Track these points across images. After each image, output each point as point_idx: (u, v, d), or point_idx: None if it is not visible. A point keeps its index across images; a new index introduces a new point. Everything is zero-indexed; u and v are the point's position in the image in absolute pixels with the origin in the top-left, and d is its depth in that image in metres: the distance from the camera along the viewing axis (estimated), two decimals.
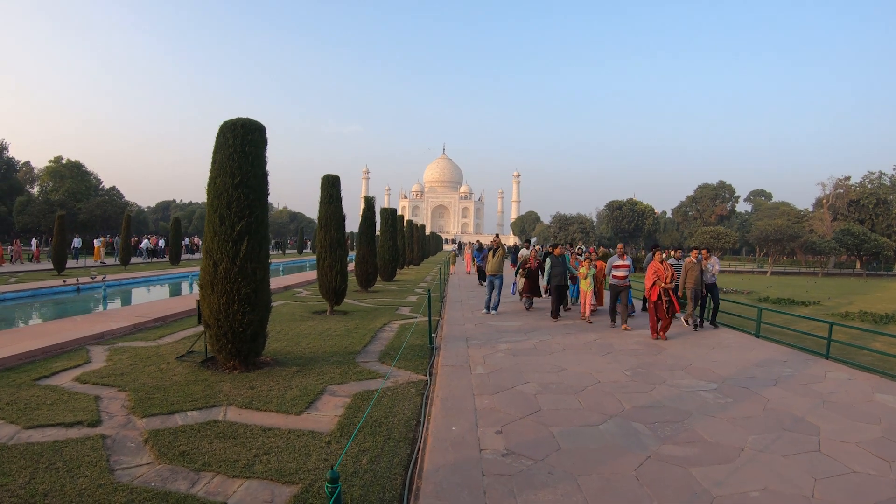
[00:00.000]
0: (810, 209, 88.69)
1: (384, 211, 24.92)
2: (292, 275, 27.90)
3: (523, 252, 16.95)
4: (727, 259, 77.08)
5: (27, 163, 79.59)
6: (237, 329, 7.74)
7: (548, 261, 13.04)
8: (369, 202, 19.30)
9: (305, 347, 9.62)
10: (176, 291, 23.28)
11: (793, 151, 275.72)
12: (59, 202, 66.95)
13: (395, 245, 24.39)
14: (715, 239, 71.42)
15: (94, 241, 40.89)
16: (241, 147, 7.86)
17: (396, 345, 9.76)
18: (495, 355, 8.80)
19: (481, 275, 22.64)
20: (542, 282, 14.02)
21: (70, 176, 74.35)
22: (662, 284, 10.71)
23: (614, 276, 12.05)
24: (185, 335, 10.76)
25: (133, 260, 39.48)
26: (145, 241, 42.98)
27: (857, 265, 69.68)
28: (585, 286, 12.92)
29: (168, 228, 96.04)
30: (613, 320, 12.28)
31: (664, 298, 10.73)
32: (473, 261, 26.45)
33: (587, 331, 11.49)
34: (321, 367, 8.13)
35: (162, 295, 22.12)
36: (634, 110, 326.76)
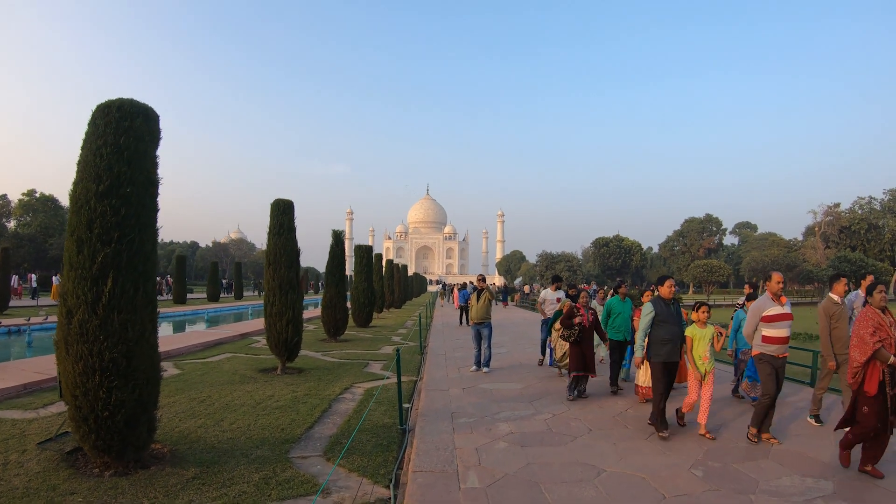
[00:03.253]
0: (800, 238, 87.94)
1: (359, 248, 22.27)
2: (260, 319, 24.78)
3: (546, 294, 11.97)
4: (717, 293, 74.86)
5: (4, 196, 76.03)
6: (100, 412, 4.99)
7: (648, 308, 6.87)
8: (338, 237, 16.61)
9: (227, 428, 6.82)
10: None
11: (776, 182, 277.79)
12: (29, 237, 64.30)
13: (370, 287, 21.61)
14: (708, 272, 69.71)
15: (53, 278, 38.15)
16: (115, 139, 5.22)
17: (355, 424, 6.96)
18: (495, 447, 5.96)
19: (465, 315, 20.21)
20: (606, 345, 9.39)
21: (42, 210, 71.19)
22: (892, 360, 5.19)
23: (767, 339, 6.38)
24: None
25: None
26: None
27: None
28: (703, 363, 6.61)
29: None
30: (760, 429, 6.38)
31: (891, 390, 5.23)
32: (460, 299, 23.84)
33: (609, 395, 8.79)
34: (233, 470, 5.34)
35: None
36: (617, 146, 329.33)
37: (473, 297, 10.94)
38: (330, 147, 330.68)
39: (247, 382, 9.77)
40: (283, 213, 10.87)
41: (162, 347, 13.21)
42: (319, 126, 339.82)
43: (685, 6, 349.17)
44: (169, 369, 11.27)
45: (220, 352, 13.83)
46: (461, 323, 22.30)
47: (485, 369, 10.75)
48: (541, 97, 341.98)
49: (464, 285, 24.66)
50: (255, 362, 12.06)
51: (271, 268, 10.66)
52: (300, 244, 11.16)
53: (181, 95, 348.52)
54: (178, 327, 24.95)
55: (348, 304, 21.75)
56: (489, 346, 10.82)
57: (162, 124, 5.74)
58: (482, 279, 11.25)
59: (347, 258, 39.34)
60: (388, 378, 10.18)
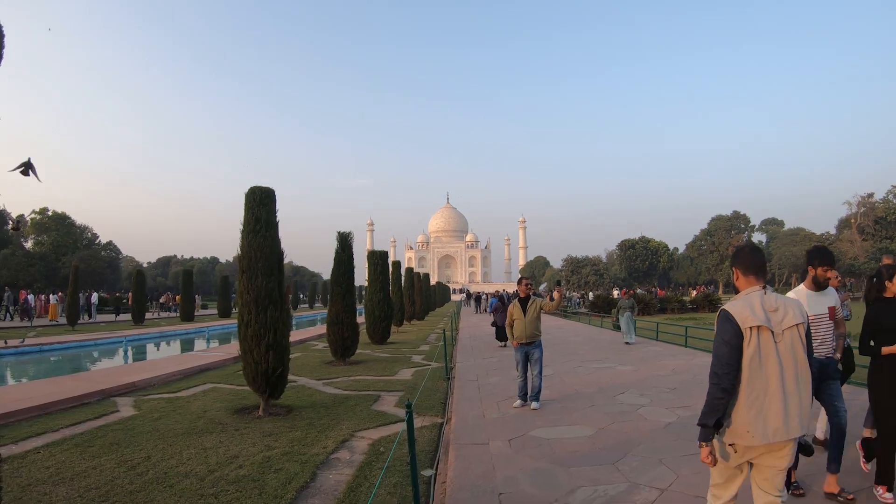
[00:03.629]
0: (832, 231, 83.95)
1: (372, 255, 19.62)
2: None
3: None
4: None
5: (21, 215, 75.28)
6: None
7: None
8: (344, 240, 13.98)
9: None
10: (97, 362, 17.52)
11: (797, 176, 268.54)
12: (40, 255, 63.39)
13: (386, 297, 18.96)
14: None
15: (51, 296, 35.91)
16: None
17: None
18: None
19: (499, 333, 17.13)
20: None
21: (55, 228, 70.87)
22: None
23: None
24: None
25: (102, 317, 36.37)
26: (94, 295, 37.63)
27: None
28: None
29: (167, 284, 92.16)
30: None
31: None
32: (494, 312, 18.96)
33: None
34: None
35: (80, 366, 16.17)
36: (637, 146, 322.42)
37: (514, 307, 8.24)
38: (351, 158, 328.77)
39: (210, 432, 7.18)
40: (260, 204, 8.28)
41: (128, 378, 10.72)
42: (341, 137, 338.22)
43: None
44: (122, 409, 8.84)
45: (200, 381, 11.34)
46: (500, 343, 17.28)
47: (534, 405, 7.98)
48: (558, 99, 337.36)
49: (498, 294, 20.97)
50: (236, 397, 9.50)
51: (245, 276, 8.06)
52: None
53: (206, 105, 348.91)
54: (169, 348, 22.59)
55: (362, 319, 19.21)
56: (540, 373, 8.09)
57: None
58: (528, 283, 8.50)
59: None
60: (405, 419, 7.53)
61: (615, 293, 57.84)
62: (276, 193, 8.55)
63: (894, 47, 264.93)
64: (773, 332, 2.85)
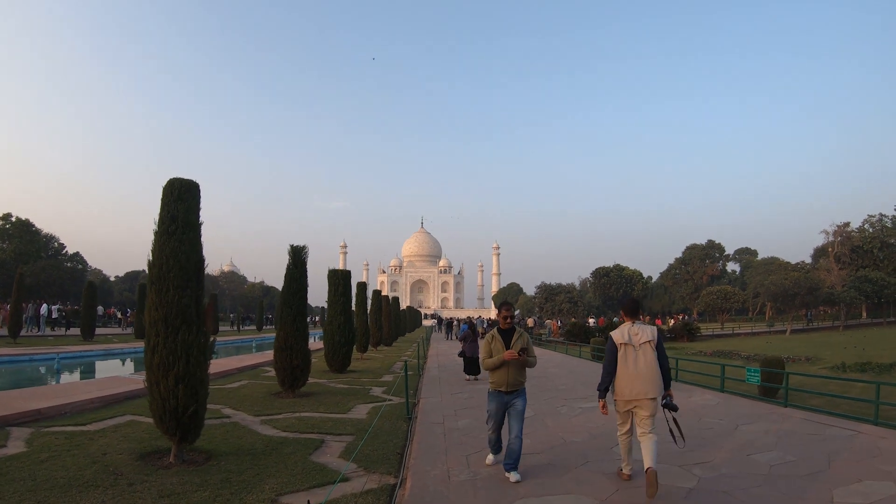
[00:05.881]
0: (807, 260, 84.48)
1: (333, 274, 17.93)
2: (223, 359, 19.90)
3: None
4: (737, 321, 70.70)
5: None
6: None
7: None
8: (297, 254, 12.31)
9: None
10: (22, 381, 15.34)
11: (770, 206, 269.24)
12: (0, 263, 60.64)
13: (348, 321, 17.23)
14: (723, 299, 65.86)
15: None
16: None
17: None
18: None
19: (468, 366, 15.15)
20: None
21: (17, 235, 67.93)
22: None
23: None
24: None
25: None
26: (44, 306, 35.35)
27: (863, 314, 66.56)
28: None
29: (133, 299, 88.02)
30: None
31: None
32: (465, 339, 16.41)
33: None
34: None
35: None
36: (612, 174, 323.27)
37: (495, 342, 6.07)
38: (325, 181, 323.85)
39: (97, 486, 5.49)
40: (178, 199, 6.63)
41: (35, 403, 8.45)
42: (313, 159, 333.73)
43: (681, 29, 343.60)
44: (11, 444, 7.15)
45: (120, 411, 9.66)
46: (467, 375, 15.56)
47: (513, 476, 5.86)
48: (533, 128, 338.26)
49: (469, 321, 18.67)
50: (151, 436, 7.76)
51: (154, 288, 6.40)
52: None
53: (170, 123, 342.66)
54: (105, 368, 20.52)
55: (320, 344, 17.50)
56: (520, 434, 5.93)
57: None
58: (508, 312, 6.21)
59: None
60: (349, 479, 5.88)
61: (591, 321, 56.77)
62: (200, 188, 6.93)
63: (870, 76, 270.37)
64: (633, 346, 5.42)
